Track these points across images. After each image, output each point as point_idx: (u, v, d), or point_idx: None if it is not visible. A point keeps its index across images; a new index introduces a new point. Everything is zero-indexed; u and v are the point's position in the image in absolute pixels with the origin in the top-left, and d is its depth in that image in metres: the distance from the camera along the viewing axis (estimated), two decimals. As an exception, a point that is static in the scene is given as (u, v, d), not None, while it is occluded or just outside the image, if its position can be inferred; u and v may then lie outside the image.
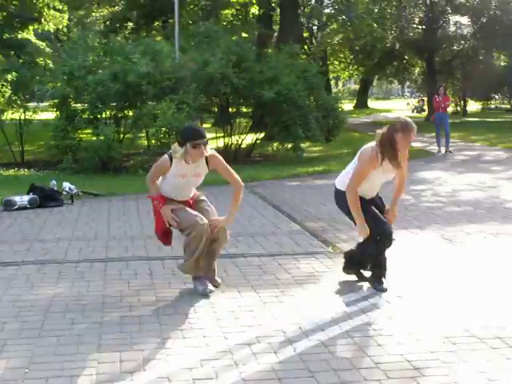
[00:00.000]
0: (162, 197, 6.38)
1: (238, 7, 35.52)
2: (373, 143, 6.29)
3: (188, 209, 6.37)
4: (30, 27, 37.91)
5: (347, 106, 34.17)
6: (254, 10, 35.53)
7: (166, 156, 6.35)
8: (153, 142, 16.24)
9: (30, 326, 5.47)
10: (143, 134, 17.56)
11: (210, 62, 16.87)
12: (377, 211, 6.42)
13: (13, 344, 5.07)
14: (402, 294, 6.31)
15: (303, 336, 5.21)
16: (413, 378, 4.45)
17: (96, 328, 5.41)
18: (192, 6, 33.01)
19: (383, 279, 6.52)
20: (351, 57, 49.95)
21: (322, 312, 5.81)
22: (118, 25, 33.53)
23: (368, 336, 5.21)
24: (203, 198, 6.68)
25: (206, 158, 6.33)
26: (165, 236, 6.62)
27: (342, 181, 6.55)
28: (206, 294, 6.27)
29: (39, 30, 39.88)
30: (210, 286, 6.39)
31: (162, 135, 15.32)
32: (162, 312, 5.84)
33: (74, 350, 4.93)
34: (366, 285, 6.57)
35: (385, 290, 6.40)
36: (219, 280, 6.60)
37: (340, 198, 6.54)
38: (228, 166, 6.47)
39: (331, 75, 55.13)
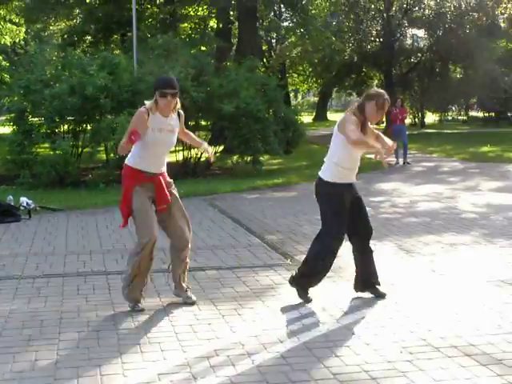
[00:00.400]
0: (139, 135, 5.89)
1: (197, 20, 35.52)
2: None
3: (152, 216, 6.13)
4: (-14, 41, 37.61)
5: (306, 118, 34.40)
6: (213, 23, 35.58)
7: (141, 108, 6.05)
8: (111, 155, 16.14)
9: (-14, 343, 5.40)
10: (102, 148, 17.45)
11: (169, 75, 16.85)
12: (343, 219, 6.26)
13: (-33, 362, 5.01)
14: (359, 305, 6.36)
15: (261, 348, 5.22)
16: (370, 388, 4.49)
17: (53, 344, 5.35)
18: (150, 20, 32.95)
19: (308, 290, 6.52)
20: (310, 69, 50.45)
21: (281, 324, 5.83)
22: (76, 38, 33.28)
23: (326, 347, 5.23)
24: (174, 188, 6.35)
25: (179, 113, 6.23)
26: (126, 216, 6.21)
27: (325, 168, 6.34)
28: (134, 311, 6.19)
29: (-5, 44, 39.55)
30: (141, 305, 6.27)
31: (120, 149, 15.22)
32: (120, 327, 5.80)
33: (31, 367, 4.87)
34: (323, 297, 6.59)
35: (309, 301, 6.44)
36: (193, 296, 6.47)
37: (321, 187, 6.35)
38: None
39: (290, 88, 55.51)
